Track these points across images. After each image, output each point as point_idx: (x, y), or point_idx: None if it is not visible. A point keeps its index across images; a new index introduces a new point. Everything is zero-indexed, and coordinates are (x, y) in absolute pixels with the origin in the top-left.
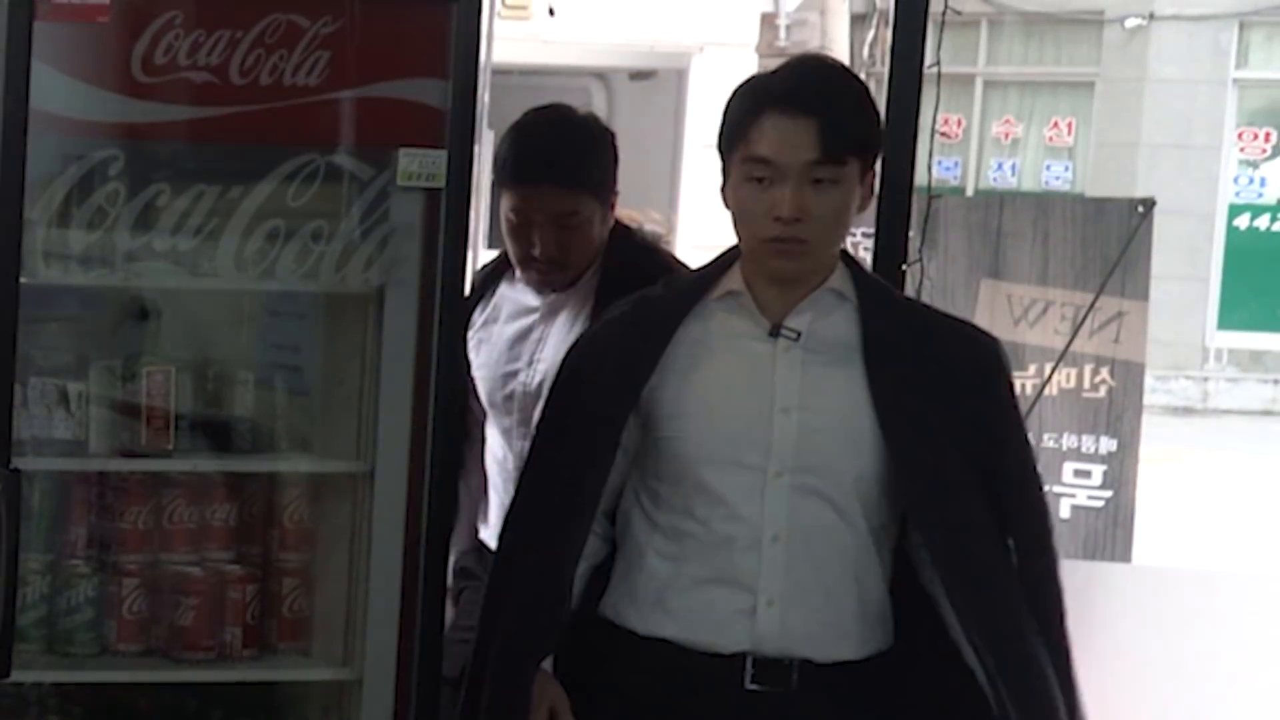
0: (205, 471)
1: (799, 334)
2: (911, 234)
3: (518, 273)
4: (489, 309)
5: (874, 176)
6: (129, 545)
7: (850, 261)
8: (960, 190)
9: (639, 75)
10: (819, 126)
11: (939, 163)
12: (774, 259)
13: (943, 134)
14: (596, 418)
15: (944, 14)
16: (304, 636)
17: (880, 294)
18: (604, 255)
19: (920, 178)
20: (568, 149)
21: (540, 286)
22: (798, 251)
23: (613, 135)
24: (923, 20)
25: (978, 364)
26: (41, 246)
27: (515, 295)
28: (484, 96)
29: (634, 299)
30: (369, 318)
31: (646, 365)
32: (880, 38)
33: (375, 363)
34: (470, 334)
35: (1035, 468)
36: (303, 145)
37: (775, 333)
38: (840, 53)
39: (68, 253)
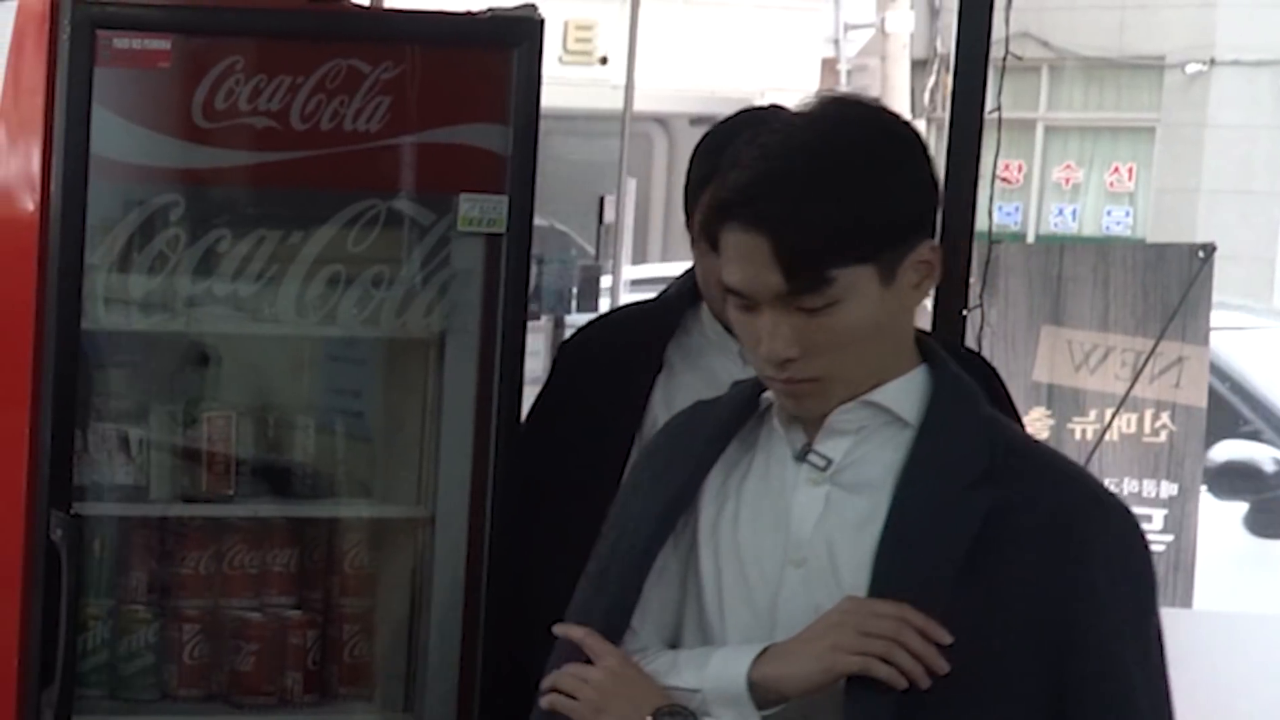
0: (266, 517)
1: (829, 462)
2: (972, 280)
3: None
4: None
5: (931, 252)
6: (189, 590)
7: (936, 361)
8: (1021, 236)
9: (699, 120)
10: (774, 248)
11: (999, 208)
12: (785, 401)
13: (1003, 179)
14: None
15: (1005, 59)
16: (365, 682)
17: (959, 417)
18: None
19: (981, 223)
20: None
21: None
22: (810, 391)
23: None
24: (984, 65)
25: (1074, 531)
26: (102, 292)
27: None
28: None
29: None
30: (430, 363)
31: (688, 487)
32: (941, 83)
33: (436, 408)
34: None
35: (1135, 689)
36: (363, 190)
37: (802, 456)
38: (901, 98)
39: (129, 298)
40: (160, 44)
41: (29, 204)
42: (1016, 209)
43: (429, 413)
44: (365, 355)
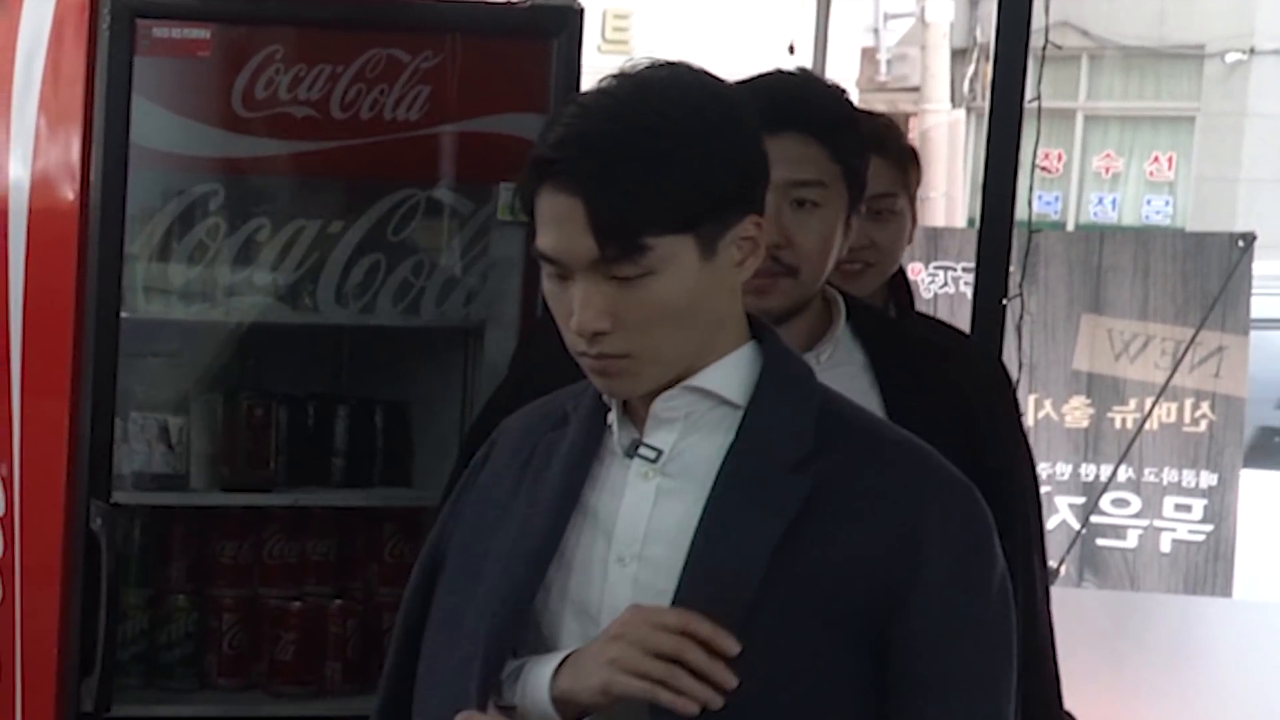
0: (305, 506)
1: (659, 453)
2: (1012, 268)
3: None
4: None
5: (756, 228)
6: (228, 580)
7: (768, 339)
8: (1061, 225)
9: None
10: (587, 211)
11: (1039, 197)
12: (596, 380)
13: (1043, 168)
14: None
15: (1044, 49)
16: None
17: (788, 397)
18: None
19: (1020, 212)
20: None
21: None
22: (621, 369)
23: None
24: (1024, 55)
25: (902, 501)
26: (142, 281)
27: None
28: None
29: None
30: (469, 351)
31: (511, 486)
32: (981, 72)
33: (475, 396)
34: None
35: (962, 640)
36: (403, 180)
37: (631, 451)
38: (941, 88)
39: (168, 287)
40: (200, 33)
41: (69, 193)
42: (1056, 198)
43: (468, 401)
44: (405, 344)
